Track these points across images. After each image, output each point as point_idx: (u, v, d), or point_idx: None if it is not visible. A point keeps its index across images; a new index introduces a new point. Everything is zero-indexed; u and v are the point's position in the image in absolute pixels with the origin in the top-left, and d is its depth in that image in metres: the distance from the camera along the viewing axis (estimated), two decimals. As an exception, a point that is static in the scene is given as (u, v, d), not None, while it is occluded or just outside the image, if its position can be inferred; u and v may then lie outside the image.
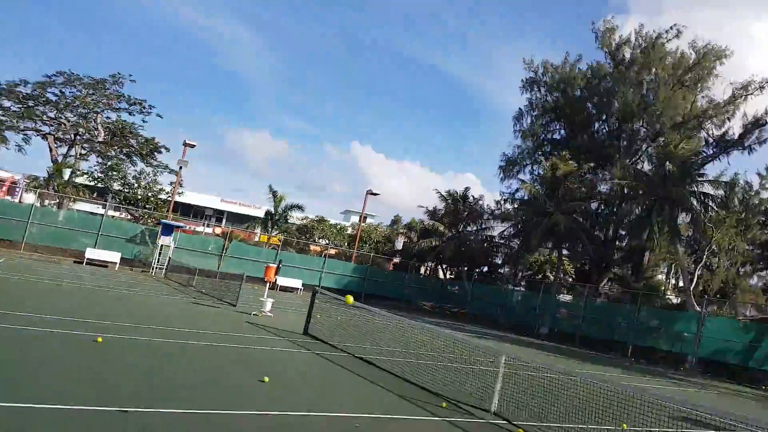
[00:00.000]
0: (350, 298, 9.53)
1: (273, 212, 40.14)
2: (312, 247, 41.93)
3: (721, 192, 30.71)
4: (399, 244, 43.55)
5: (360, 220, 44.27)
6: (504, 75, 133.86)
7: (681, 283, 33.49)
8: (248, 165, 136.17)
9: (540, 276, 41.76)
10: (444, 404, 7.68)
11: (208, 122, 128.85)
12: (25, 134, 38.47)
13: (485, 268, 41.48)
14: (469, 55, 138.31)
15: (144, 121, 40.01)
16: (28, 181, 38.83)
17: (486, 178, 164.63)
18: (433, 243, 37.69)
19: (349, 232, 48.66)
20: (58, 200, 34.14)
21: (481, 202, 40.62)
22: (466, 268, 39.23)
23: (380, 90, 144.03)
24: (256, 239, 42.86)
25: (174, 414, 5.44)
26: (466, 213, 39.69)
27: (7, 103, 37.10)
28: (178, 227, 30.02)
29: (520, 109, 42.38)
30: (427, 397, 8.05)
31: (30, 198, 35.04)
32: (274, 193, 39.72)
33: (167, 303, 15.92)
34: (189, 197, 52.74)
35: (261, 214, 46.31)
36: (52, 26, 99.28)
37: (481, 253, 38.86)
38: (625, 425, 7.51)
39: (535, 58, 49.01)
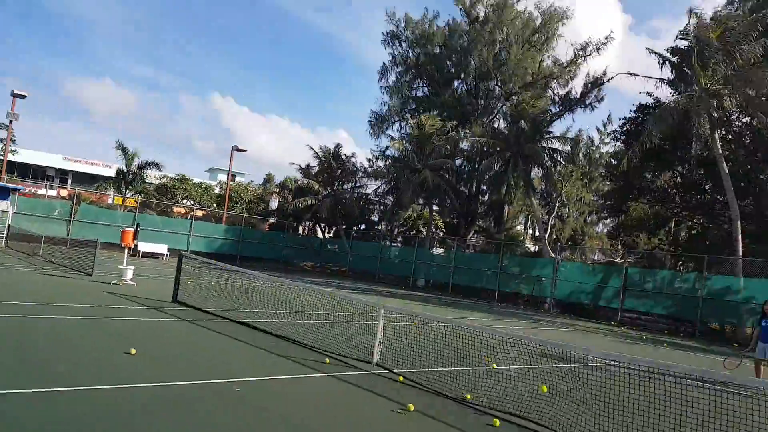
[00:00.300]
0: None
1: (125, 171, 36.74)
2: (175, 209, 39.26)
3: (567, 148, 33.75)
4: (273, 203, 42.45)
5: (228, 179, 42.23)
6: (370, 27, 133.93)
7: (537, 233, 36.74)
8: (93, 119, 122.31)
9: (414, 231, 43.58)
10: (327, 360, 7.70)
11: (40, 71, 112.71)
12: None
13: (363, 226, 42.22)
14: (328, 2, 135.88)
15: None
16: None
17: (358, 136, 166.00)
18: (309, 202, 37.33)
19: (216, 191, 46.25)
20: None
21: (354, 160, 40.84)
22: (344, 226, 39.55)
23: (237, 37, 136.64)
24: (110, 201, 39.17)
25: (33, 394, 4.75)
26: (339, 171, 39.70)
27: None
28: (15, 190, 26.32)
29: (384, 63, 42.83)
30: (312, 355, 8.01)
31: None
32: (123, 150, 36.28)
33: (12, 275, 14.00)
34: (25, 156, 46.19)
35: (112, 173, 42.13)
36: None
37: (357, 211, 39.37)
38: (494, 365, 8.15)
39: (398, 10, 48.86)
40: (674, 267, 29.79)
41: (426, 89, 42.41)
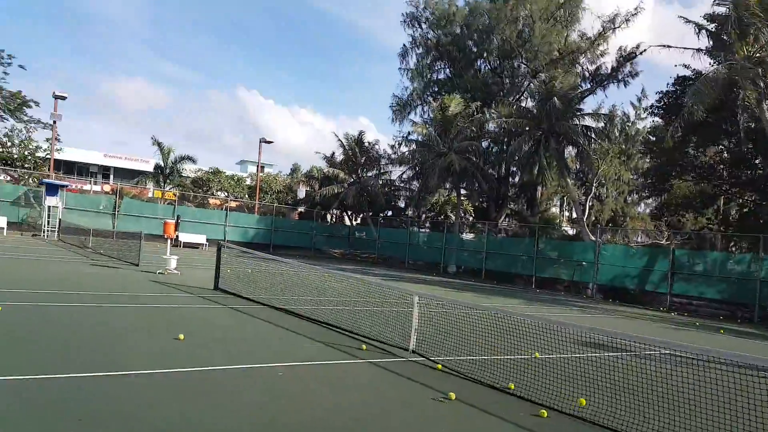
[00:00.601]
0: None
1: (162, 166, 37.47)
2: (211, 201, 39.99)
3: (601, 124, 31.70)
4: (301, 193, 42.86)
5: (258, 170, 42.69)
6: (387, 12, 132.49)
7: (574, 215, 34.49)
8: (127, 116, 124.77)
9: (442, 216, 43.19)
10: (364, 347, 7.77)
11: (77, 73, 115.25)
12: None
13: (389, 212, 42.18)
14: None
15: (5, 74, 35.06)
16: None
17: (380, 122, 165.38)
18: (335, 190, 37.52)
19: (248, 183, 46.86)
20: None
21: (377, 147, 40.75)
22: (370, 213, 39.64)
23: (257, 32, 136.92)
24: (150, 195, 40.05)
25: (92, 378, 4.97)
26: (363, 158, 39.69)
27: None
28: (63, 186, 27.21)
29: (404, 45, 42.05)
30: (348, 341, 8.10)
31: None
32: (159, 145, 36.98)
33: (66, 266, 14.49)
34: (69, 154, 47.47)
35: (150, 168, 43.05)
36: None
37: (383, 198, 39.37)
38: (537, 354, 7.80)
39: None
40: (726, 248, 27.56)
41: (448, 71, 41.41)
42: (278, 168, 64.02)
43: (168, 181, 38.15)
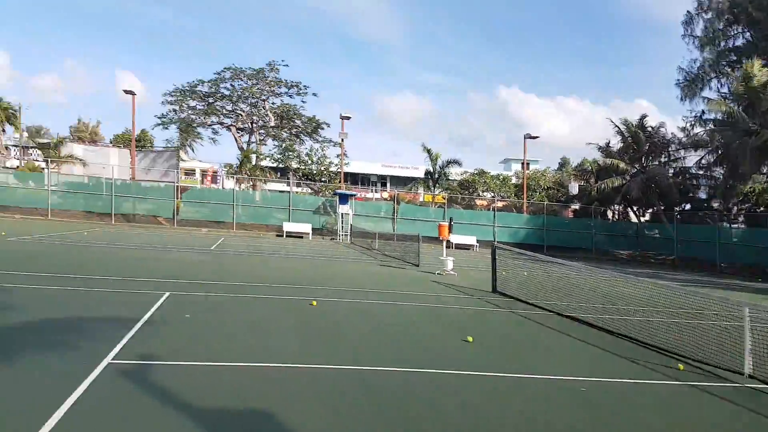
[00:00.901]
0: None
1: (431, 171, 40.28)
2: (478, 202, 41.29)
3: None
4: (574, 188, 40.59)
5: (524, 167, 42.20)
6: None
7: None
8: (398, 128, 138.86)
9: (762, 209, 35.48)
10: (680, 366, 6.73)
11: (356, 93, 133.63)
12: (213, 128, 44.13)
13: (687, 206, 36.62)
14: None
15: (303, 102, 43.31)
16: (225, 169, 44.55)
17: (663, 103, 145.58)
18: (615, 183, 34.37)
19: (513, 182, 46.83)
20: (251, 183, 38.58)
21: (663, 131, 35.82)
22: (662, 208, 35.06)
23: (513, 27, 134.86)
24: (421, 199, 43.63)
25: (394, 372, 5.48)
26: (647, 145, 35.35)
27: (192, 103, 42.71)
28: (351, 196, 31.89)
29: (688, 12, 36.31)
30: (658, 358, 7.15)
31: (229, 184, 40.29)
32: (428, 152, 39.76)
33: (360, 266, 16.79)
34: (354, 166, 55.48)
35: (420, 174, 46.96)
36: (209, 24, 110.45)
37: (676, 189, 34.35)
38: None
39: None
40: None
41: (748, 35, 34.48)
42: (544, 163, 62.54)
43: (437, 185, 41.04)
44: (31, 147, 51.81)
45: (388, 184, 65.81)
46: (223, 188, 40.25)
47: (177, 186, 32.19)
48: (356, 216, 30.92)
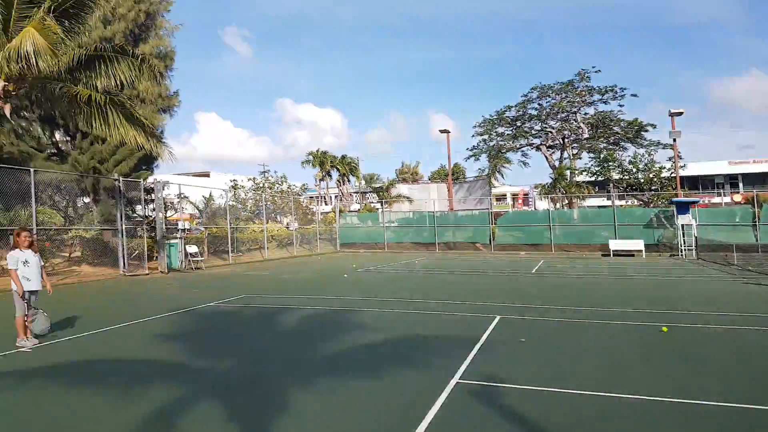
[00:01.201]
0: None
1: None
2: None
3: None
4: None
5: None
6: None
7: None
8: (743, 115, 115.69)
9: None
10: None
11: (681, 86, 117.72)
12: (522, 150, 45.17)
13: None
14: None
15: (620, 106, 40.44)
16: (536, 190, 44.99)
17: None
18: None
19: None
20: (567, 201, 37.85)
21: None
22: None
23: None
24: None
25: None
26: None
27: (501, 129, 44.62)
28: (692, 203, 27.96)
29: None
30: None
31: (541, 204, 40.45)
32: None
33: (717, 286, 14.35)
34: (691, 169, 48.84)
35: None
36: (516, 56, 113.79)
37: None
38: None
39: None
40: None
41: None
42: None
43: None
44: (368, 192, 62.40)
45: (741, 184, 55.51)
46: (535, 209, 40.56)
47: (491, 212, 34.11)
48: (700, 226, 26.78)
